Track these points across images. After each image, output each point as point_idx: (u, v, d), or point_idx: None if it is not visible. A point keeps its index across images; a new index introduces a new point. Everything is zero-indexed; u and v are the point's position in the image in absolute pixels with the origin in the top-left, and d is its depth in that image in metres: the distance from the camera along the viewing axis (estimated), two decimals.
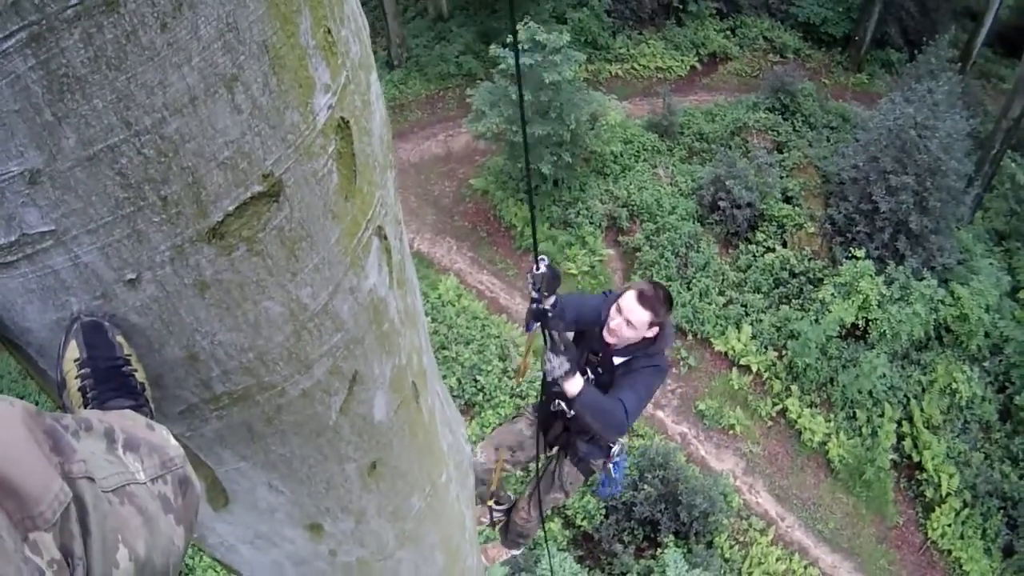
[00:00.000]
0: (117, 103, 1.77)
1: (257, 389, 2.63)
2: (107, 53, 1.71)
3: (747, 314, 25.06)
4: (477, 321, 23.93)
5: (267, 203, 2.20)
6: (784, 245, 26.74)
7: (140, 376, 2.32)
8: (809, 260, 26.09)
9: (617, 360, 6.54)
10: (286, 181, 2.22)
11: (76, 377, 2.23)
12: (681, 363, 24.08)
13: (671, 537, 20.05)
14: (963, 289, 24.01)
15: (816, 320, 23.80)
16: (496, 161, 27.18)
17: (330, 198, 2.45)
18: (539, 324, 5.66)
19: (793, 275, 25.79)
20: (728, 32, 37.38)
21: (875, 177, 25.02)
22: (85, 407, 2.24)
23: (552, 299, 5.69)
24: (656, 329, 6.30)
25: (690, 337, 24.22)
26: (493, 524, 8.78)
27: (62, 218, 1.91)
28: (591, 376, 6.68)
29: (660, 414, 23.05)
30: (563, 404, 6.92)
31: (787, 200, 27.80)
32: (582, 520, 20.33)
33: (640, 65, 34.54)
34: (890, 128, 25.12)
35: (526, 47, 23.27)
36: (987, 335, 24.32)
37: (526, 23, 23.93)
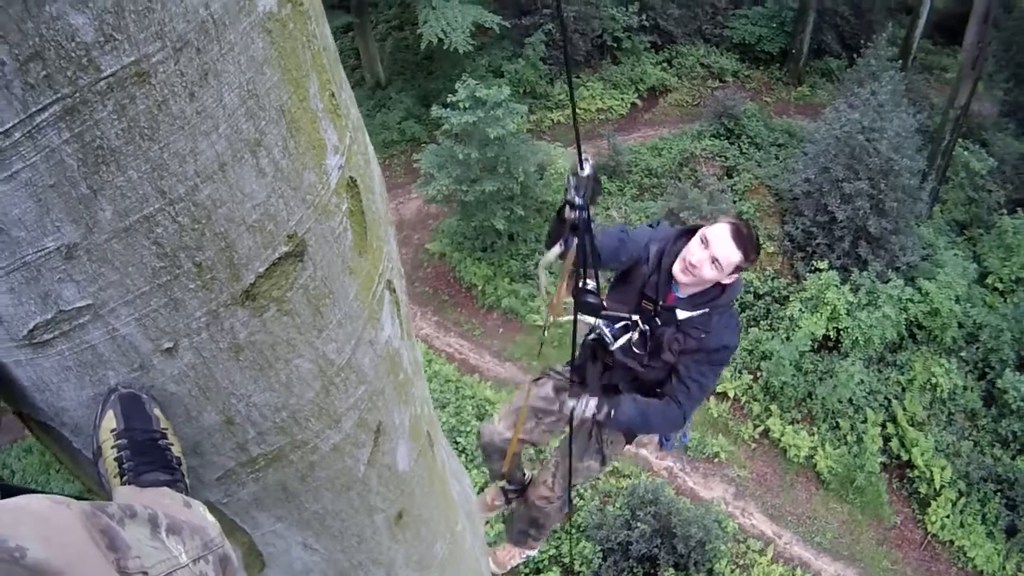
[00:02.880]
0: (152, 173, 1.83)
1: (291, 448, 2.68)
2: (140, 124, 1.77)
3: None
4: (450, 384, 23.64)
5: (293, 263, 2.28)
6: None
7: (176, 450, 2.36)
8: (772, 280, 26.01)
9: (683, 314, 5.50)
10: (308, 240, 2.29)
11: (113, 447, 2.26)
12: None
13: (671, 571, 19.91)
14: (930, 284, 23.85)
15: (787, 338, 23.77)
16: (450, 223, 27.02)
17: (347, 255, 2.53)
18: (573, 241, 4.63)
19: (758, 297, 25.67)
20: (665, 64, 37.20)
21: (828, 187, 25.00)
22: (121, 477, 2.28)
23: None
24: (735, 277, 5.40)
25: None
26: (508, 502, 7.53)
27: (99, 291, 1.96)
28: (644, 328, 5.65)
29: (644, 452, 22.94)
30: (605, 335, 5.81)
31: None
32: (580, 566, 20.23)
33: (581, 109, 34.19)
34: (837, 136, 25.11)
35: (467, 105, 23.28)
36: (960, 325, 24.12)
37: (464, 80, 23.90)
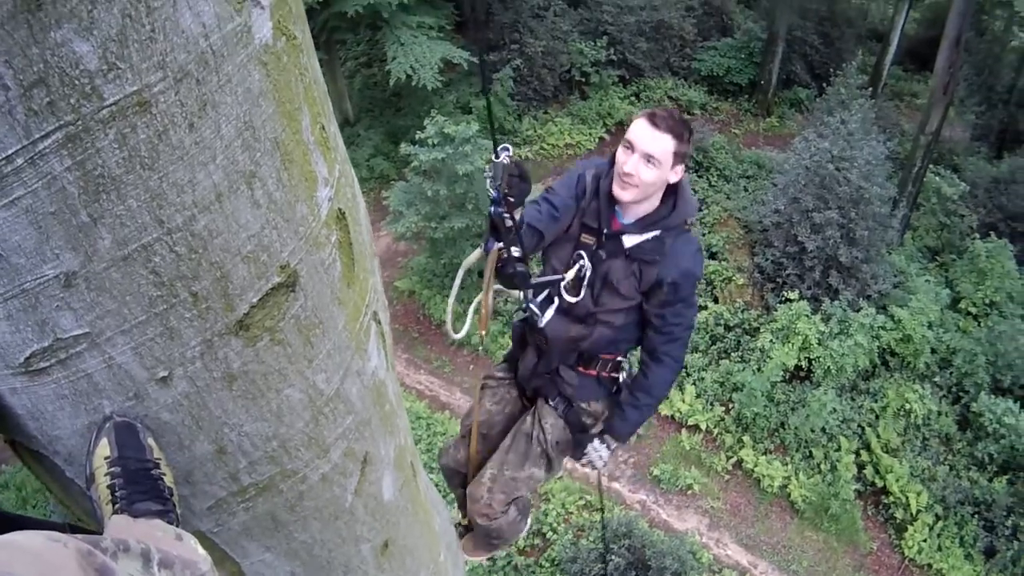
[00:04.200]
0: (151, 202, 1.86)
1: (281, 477, 2.71)
2: (141, 153, 1.80)
3: (688, 375, 24.69)
4: (421, 421, 23.52)
5: (285, 293, 2.32)
6: (716, 301, 26.59)
7: (168, 480, 2.38)
8: (743, 312, 26.00)
9: (631, 240, 4.89)
10: (300, 271, 2.34)
11: (106, 474, 2.27)
12: None
13: None
14: (902, 311, 23.81)
15: (758, 369, 23.68)
16: (419, 260, 26.95)
17: (336, 285, 2.58)
18: (494, 244, 4.33)
19: (728, 329, 25.63)
20: (632, 98, 36.89)
21: (798, 218, 24.92)
22: (113, 505, 2.29)
23: (519, 213, 4.32)
24: (681, 169, 4.76)
25: None
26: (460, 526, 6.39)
27: (97, 320, 1.98)
28: (587, 265, 4.96)
29: (616, 485, 22.88)
30: (538, 319, 5.10)
31: (712, 256, 27.60)
32: None
33: (549, 144, 34.20)
34: (807, 166, 25.07)
35: (435, 141, 23.28)
36: (933, 351, 24.05)
37: (432, 117, 23.86)
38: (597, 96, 36.08)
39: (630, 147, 4.62)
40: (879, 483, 22.61)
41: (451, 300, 4.95)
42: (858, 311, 23.96)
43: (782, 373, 23.08)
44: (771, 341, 23.65)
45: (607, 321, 5.13)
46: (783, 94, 38.17)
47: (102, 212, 1.82)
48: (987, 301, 26.16)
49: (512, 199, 4.12)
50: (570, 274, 4.96)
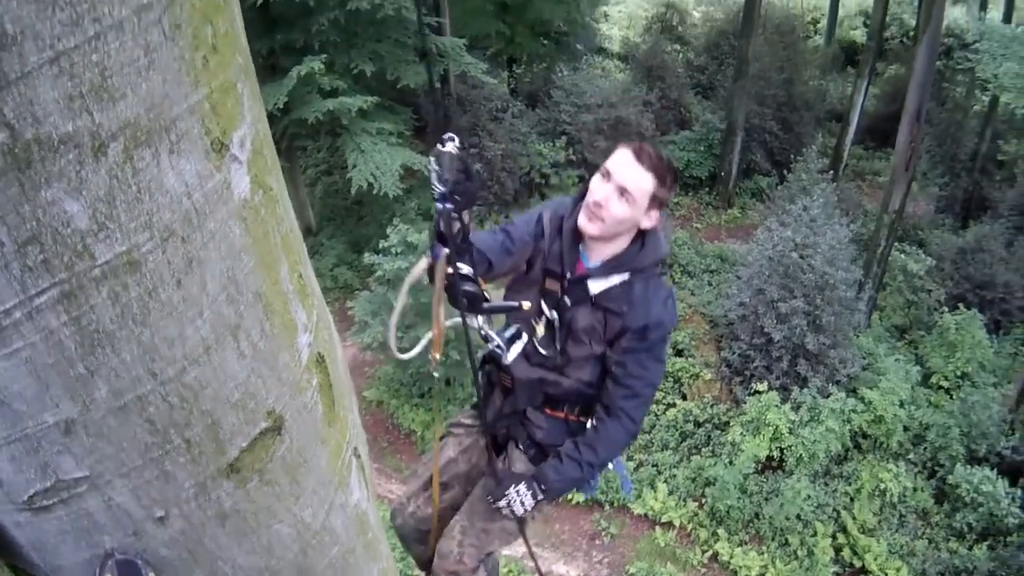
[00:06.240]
0: (144, 356, 1.95)
1: None
2: (133, 310, 1.88)
3: (659, 472, 24.52)
4: (392, 530, 23.29)
5: (272, 436, 2.41)
6: (684, 398, 26.41)
7: None
8: (712, 407, 25.81)
9: (597, 286, 4.55)
10: (285, 415, 2.43)
11: None
12: (603, 533, 23.77)
13: None
14: (873, 393, 23.78)
15: (730, 462, 23.52)
16: (386, 370, 26.80)
17: (318, 426, 2.67)
18: (442, 251, 3.95)
19: (698, 425, 25.47)
20: None
21: (763, 309, 24.80)
22: None
23: (467, 216, 3.91)
24: (656, 216, 4.47)
25: (607, 507, 23.94)
26: None
27: (96, 464, 2.05)
28: (550, 316, 4.65)
29: None
30: (502, 355, 4.67)
31: (679, 353, 27.44)
32: None
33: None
34: (770, 257, 24.97)
35: (398, 250, 23.29)
36: (906, 428, 23.90)
37: (395, 225, 23.92)
38: (557, 197, 35.42)
39: (607, 176, 4.35)
40: (857, 563, 22.50)
41: (393, 318, 4.49)
42: (828, 397, 23.89)
43: (754, 465, 23.02)
44: (742, 434, 23.58)
45: (575, 373, 4.77)
46: (744, 184, 38.22)
47: (98, 365, 1.89)
48: (958, 373, 26.27)
49: (458, 197, 3.78)
50: (540, 329, 4.71)
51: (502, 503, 4.83)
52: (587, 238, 4.52)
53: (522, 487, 4.76)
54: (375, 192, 27.15)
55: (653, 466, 24.55)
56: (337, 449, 2.84)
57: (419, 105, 34.22)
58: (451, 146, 3.69)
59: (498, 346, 4.63)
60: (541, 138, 35.59)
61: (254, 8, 24.71)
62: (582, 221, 4.40)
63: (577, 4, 40.66)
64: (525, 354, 4.74)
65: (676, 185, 4.55)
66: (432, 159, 3.70)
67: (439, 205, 3.76)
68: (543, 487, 4.76)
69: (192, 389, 2.08)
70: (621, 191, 4.28)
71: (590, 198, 4.35)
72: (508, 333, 4.68)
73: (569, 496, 5.22)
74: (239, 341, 2.16)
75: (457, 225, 3.83)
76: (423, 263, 4.11)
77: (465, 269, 4.00)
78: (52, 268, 1.74)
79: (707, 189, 37.91)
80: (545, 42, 41.79)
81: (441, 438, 5.70)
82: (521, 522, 5.16)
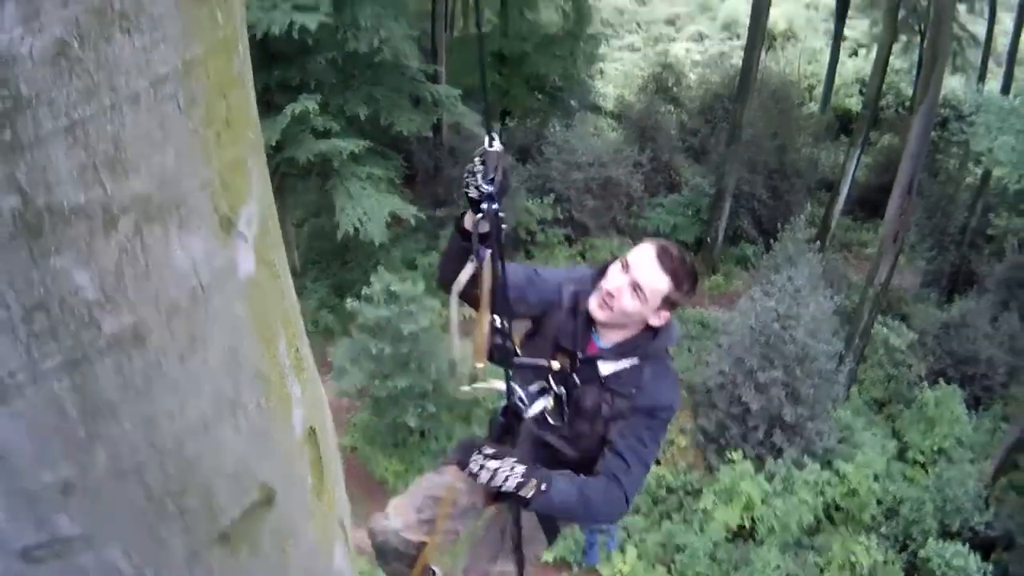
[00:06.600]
0: (144, 426, 1.95)
1: None
2: (136, 382, 1.88)
3: (629, 536, 24.16)
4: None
5: (264, 508, 2.42)
6: (657, 463, 25.92)
7: None
8: (686, 473, 25.78)
9: (607, 368, 4.55)
10: (277, 488, 2.44)
11: None
12: None
13: None
14: (848, 466, 23.91)
15: (701, 529, 23.50)
16: (362, 417, 26.77)
17: (308, 499, 2.69)
18: (486, 253, 3.96)
19: (671, 491, 25.42)
20: (578, 257, 36.52)
21: (742, 379, 24.65)
22: None
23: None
24: (666, 316, 4.50)
25: (575, 568, 23.87)
26: None
27: (91, 524, 2.05)
28: (556, 390, 4.59)
29: None
30: (522, 408, 4.54)
31: None
32: None
33: None
34: (752, 326, 24.96)
35: (381, 299, 23.32)
36: (879, 502, 23.99)
37: (379, 273, 23.93)
38: (543, 255, 35.90)
39: (625, 267, 4.39)
40: None
41: (455, 339, 4.40)
42: (803, 468, 23.94)
43: (725, 533, 23.01)
44: (714, 502, 23.55)
45: (584, 448, 4.70)
46: (730, 250, 38.21)
47: (99, 432, 1.89)
48: (935, 448, 26.37)
49: (497, 190, 3.81)
50: (548, 402, 4.61)
51: (469, 463, 4.36)
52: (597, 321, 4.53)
53: (519, 467, 4.31)
54: (361, 238, 27.18)
55: (623, 529, 24.41)
56: (325, 521, 2.85)
57: (411, 152, 34.38)
58: (497, 144, 3.66)
59: (520, 399, 4.54)
60: (530, 194, 35.67)
61: (252, 43, 24.81)
62: (592, 304, 4.47)
63: (574, 60, 41.16)
64: (539, 417, 4.64)
65: (694, 291, 4.61)
66: (477, 158, 3.73)
67: (484, 205, 3.77)
68: (526, 481, 4.30)
69: (189, 461, 2.09)
70: (635, 287, 4.33)
71: (604, 284, 4.41)
72: (534, 388, 4.65)
73: (540, 555, 4.77)
74: (236, 416, 2.18)
75: (503, 225, 3.86)
76: (469, 268, 4.11)
77: (497, 322, 4.13)
78: (58, 336, 1.73)
79: (693, 254, 36.78)
80: (540, 96, 42.14)
81: (440, 467, 5.53)
82: (521, 566, 5.08)
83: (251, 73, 2.20)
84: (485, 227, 3.88)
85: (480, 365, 4.33)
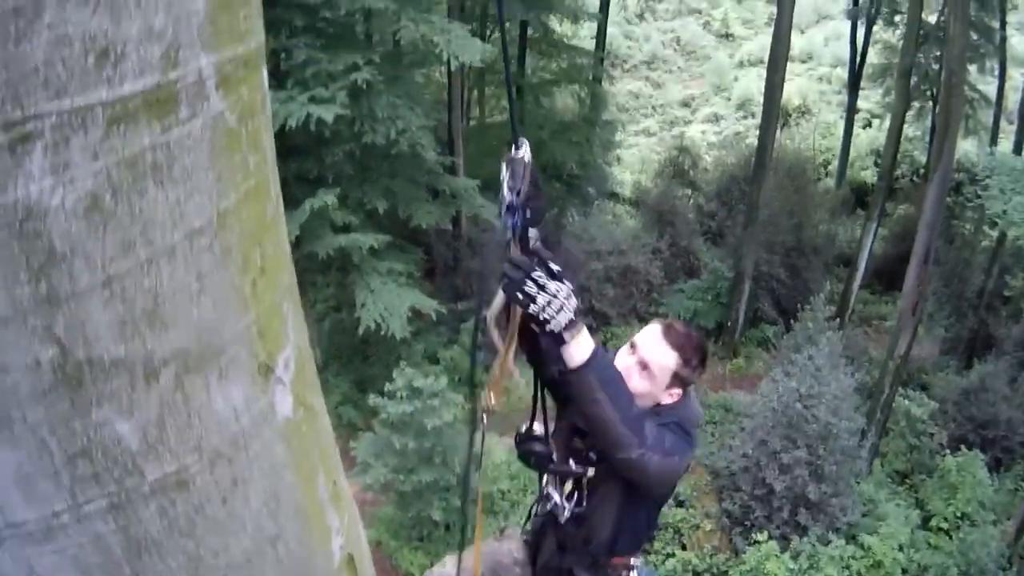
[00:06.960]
0: (188, 564, 2.02)
1: None
2: (179, 524, 1.94)
3: None
4: None
5: None
6: (683, 548, 25.85)
7: None
8: (711, 556, 25.34)
9: None
10: None
11: None
12: None
13: None
14: (872, 538, 23.66)
15: None
16: (387, 511, 26.38)
17: None
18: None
19: (697, 575, 25.02)
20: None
21: (766, 460, 24.46)
22: None
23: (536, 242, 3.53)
24: (679, 392, 4.32)
25: None
26: None
27: None
28: (577, 468, 4.26)
29: None
30: (561, 513, 4.36)
31: (680, 504, 26.81)
32: None
33: (516, 396, 32.36)
34: (775, 408, 24.68)
35: (404, 394, 23.10)
36: (904, 571, 23.60)
37: (401, 369, 23.77)
38: None
39: (632, 349, 4.28)
40: None
41: (499, 360, 3.99)
42: (827, 545, 23.67)
43: None
44: None
45: (603, 519, 4.43)
46: (750, 333, 37.71)
47: (144, 569, 1.94)
48: (959, 514, 25.98)
49: (530, 212, 3.38)
50: (567, 486, 4.39)
51: (552, 286, 3.62)
52: None
53: (565, 288, 3.66)
54: (383, 333, 27.08)
55: None
56: None
57: (430, 245, 34.25)
58: (525, 150, 3.26)
59: (556, 505, 4.39)
60: None
61: None
62: None
63: (590, 147, 40.92)
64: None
65: (704, 366, 4.41)
66: (503, 165, 3.28)
67: (509, 220, 3.38)
68: (580, 321, 3.80)
69: None
70: (643, 366, 4.21)
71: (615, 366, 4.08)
72: (569, 489, 4.42)
73: None
74: (278, 550, 2.24)
75: (534, 242, 3.48)
76: (501, 296, 3.73)
77: (537, 429, 4.07)
78: (102, 482, 1.77)
79: (713, 339, 36.65)
80: (557, 185, 41.60)
81: (501, 533, 5.47)
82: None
83: (283, 215, 2.25)
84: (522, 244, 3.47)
85: (493, 401, 4.06)
